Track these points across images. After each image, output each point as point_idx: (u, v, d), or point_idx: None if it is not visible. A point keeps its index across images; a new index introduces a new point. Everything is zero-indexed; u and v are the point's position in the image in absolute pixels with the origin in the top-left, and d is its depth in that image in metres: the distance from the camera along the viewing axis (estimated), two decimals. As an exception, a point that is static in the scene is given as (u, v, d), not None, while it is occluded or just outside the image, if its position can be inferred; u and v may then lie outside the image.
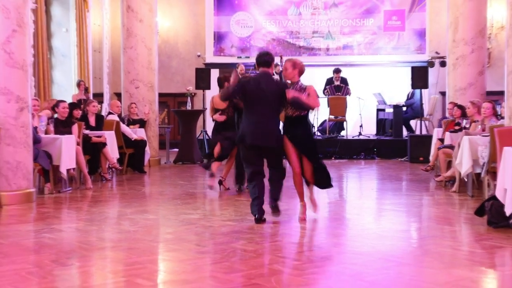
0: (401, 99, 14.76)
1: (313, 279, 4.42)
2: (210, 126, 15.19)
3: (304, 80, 6.65)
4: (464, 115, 9.65)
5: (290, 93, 6.32)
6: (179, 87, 16.12)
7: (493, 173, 7.14)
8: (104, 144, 9.87)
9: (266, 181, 6.59)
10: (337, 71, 14.85)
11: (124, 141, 10.87)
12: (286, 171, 6.69)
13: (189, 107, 13.37)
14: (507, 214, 5.87)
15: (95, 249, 5.36)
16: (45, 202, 7.85)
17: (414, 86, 13.56)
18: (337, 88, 14.61)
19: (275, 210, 6.53)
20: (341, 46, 16.23)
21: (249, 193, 6.56)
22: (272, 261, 4.88)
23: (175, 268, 4.81)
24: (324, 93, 14.61)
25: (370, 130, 15.10)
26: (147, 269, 4.68)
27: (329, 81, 14.88)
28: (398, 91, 15.29)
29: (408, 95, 14.78)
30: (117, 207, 7.76)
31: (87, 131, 9.95)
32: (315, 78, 15.33)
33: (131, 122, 11.70)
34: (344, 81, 14.81)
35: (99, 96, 15.35)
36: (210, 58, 16.44)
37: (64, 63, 14.38)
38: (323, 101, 14.46)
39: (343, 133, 14.64)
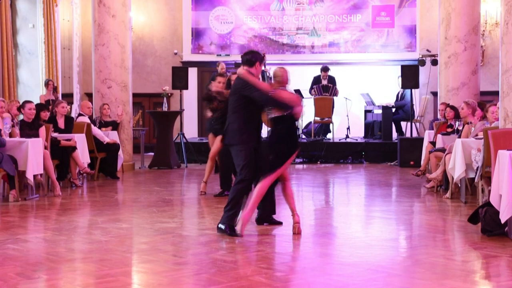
0: (390, 100, 14.84)
1: (298, 291, 4.42)
2: (187, 129, 15.27)
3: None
4: (457, 116, 9.71)
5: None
6: (155, 87, 16.08)
7: (487, 178, 7.19)
8: (74, 148, 9.80)
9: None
10: (325, 69, 14.88)
11: (96, 145, 10.81)
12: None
13: (165, 108, 13.34)
14: (502, 221, 5.91)
15: (64, 261, 5.32)
16: (10, 211, 7.77)
17: (404, 85, 13.64)
18: (325, 88, 14.64)
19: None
20: (327, 44, 16.28)
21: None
22: (254, 272, 4.87)
23: (150, 280, 4.79)
24: (311, 93, 14.65)
25: (357, 133, 15.15)
26: (119, 282, 4.65)
27: (316, 80, 14.91)
28: (387, 91, 15.37)
29: (398, 95, 14.85)
30: (88, 215, 7.72)
31: (55, 134, 9.88)
32: (299, 77, 15.41)
33: (103, 124, 11.65)
34: (332, 80, 14.84)
35: (68, 97, 15.27)
36: (188, 56, 16.43)
37: (31, 61, 14.28)
38: (309, 101, 14.53)
39: (329, 135, 14.68)
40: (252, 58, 6.59)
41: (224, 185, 8.83)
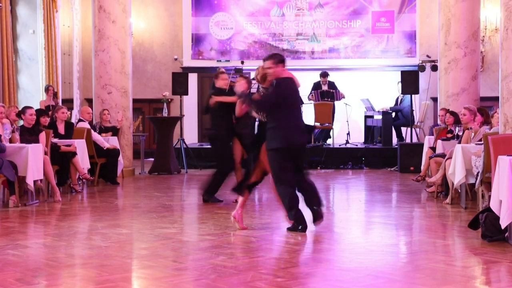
0: (388, 105, 14.83)
1: (298, 297, 4.41)
2: (187, 134, 15.26)
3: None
4: (457, 122, 9.71)
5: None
6: (155, 92, 16.09)
7: (487, 183, 7.19)
8: (74, 154, 9.80)
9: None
10: (324, 74, 14.88)
11: (96, 150, 10.81)
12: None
13: (165, 114, 13.34)
14: (502, 227, 5.91)
15: (64, 267, 5.32)
16: (10, 216, 7.77)
17: (404, 91, 13.64)
18: (324, 94, 14.65)
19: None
20: (327, 49, 16.29)
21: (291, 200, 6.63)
22: (254, 278, 4.87)
23: (150, 286, 4.78)
24: (308, 98, 14.64)
25: (358, 138, 15.15)
26: (119, 288, 4.65)
27: (316, 86, 14.91)
28: (387, 96, 15.37)
29: (397, 100, 14.84)
30: (88, 221, 7.71)
31: (55, 140, 9.88)
32: (299, 83, 15.40)
33: (103, 130, 11.65)
34: (332, 85, 14.84)
35: (68, 102, 15.28)
36: (188, 61, 16.44)
37: (31, 67, 14.29)
38: (309, 107, 14.53)
39: (329, 141, 14.68)
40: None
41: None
